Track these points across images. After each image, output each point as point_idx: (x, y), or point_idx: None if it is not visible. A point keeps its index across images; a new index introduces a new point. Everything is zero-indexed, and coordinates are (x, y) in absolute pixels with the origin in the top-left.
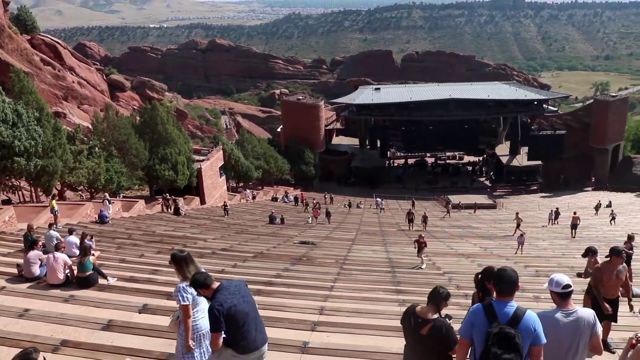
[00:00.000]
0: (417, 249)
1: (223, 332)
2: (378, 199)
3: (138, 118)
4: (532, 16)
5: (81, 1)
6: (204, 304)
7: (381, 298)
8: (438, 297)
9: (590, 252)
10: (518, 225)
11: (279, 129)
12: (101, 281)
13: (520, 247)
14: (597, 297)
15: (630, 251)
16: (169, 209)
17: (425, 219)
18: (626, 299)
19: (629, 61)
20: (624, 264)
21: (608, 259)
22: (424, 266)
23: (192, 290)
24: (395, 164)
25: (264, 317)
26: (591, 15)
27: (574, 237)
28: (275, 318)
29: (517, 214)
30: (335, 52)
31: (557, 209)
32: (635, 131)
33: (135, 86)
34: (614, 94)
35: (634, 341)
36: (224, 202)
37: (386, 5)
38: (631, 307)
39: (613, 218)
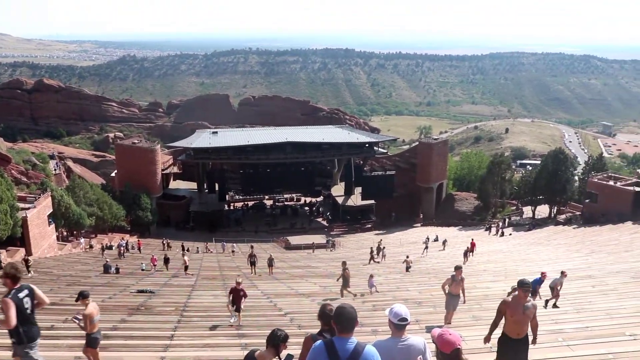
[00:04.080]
0: (230, 300)
1: None
2: (231, 243)
3: None
4: (362, 64)
5: None
6: None
7: (223, 344)
8: (276, 339)
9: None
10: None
11: (113, 174)
12: None
13: (371, 289)
14: (490, 328)
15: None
16: None
17: (271, 262)
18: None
19: (447, 107)
20: (534, 302)
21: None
22: (232, 320)
23: None
24: (234, 207)
25: None
26: (413, 65)
27: (407, 271)
28: None
29: (343, 265)
30: (172, 95)
31: (380, 242)
32: (455, 170)
33: None
34: (436, 137)
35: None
36: (24, 257)
37: (223, 50)
38: (534, 343)
39: (426, 247)
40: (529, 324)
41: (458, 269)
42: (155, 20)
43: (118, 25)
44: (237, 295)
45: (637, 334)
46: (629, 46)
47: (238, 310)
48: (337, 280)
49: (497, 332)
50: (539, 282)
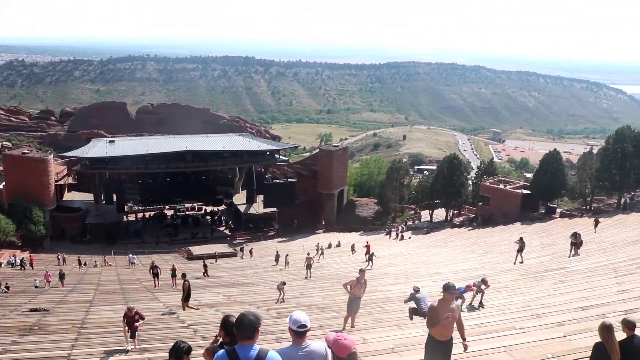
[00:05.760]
0: (125, 325)
1: None
2: (133, 255)
3: None
4: (262, 72)
5: None
6: None
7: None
8: (178, 352)
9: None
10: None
11: (1, 186)
12: None
13: (281, 294)
14: (430, 328)
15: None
16: None
17: (174, 273)
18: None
19: (347, 115)
20: (457, 303)
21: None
22: (129, 347)
23: None
24: (134, 219)
25: None
26: (313, 73)
27: (310, 277)
28: None
29: (183, 277)
30: (65, 103)
31: (277, 251)
32: (355, 177)
33: None
34: (336, 144)
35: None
36: None
37: (119, 57)
38: (465, 347)
39: (322, 253)
40: (455, 325)
41: (362, 271)
42: (45, 24)
43: (3, 28)
44: (132, 321)
45: (526, 327)
46: (513, 58)
47: (133, 336)
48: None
49: (423, 334)
50: (462, 290)
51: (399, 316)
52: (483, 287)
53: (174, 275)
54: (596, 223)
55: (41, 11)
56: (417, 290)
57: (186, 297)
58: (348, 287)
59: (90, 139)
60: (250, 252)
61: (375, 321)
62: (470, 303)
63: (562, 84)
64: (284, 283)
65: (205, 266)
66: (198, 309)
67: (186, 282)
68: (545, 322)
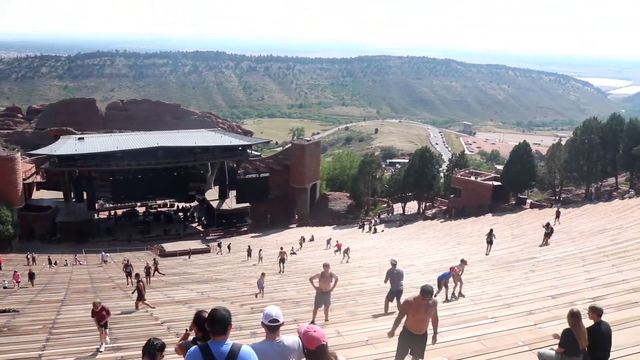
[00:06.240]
0: (96, 322)
1: None
2: (106, 253)
3: None
4: (233, 67)
5: None
6: None
7: (97, 359)
8: (152, 349)
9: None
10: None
11: None
12: None
13: (261, 291)
14: (394, 325)
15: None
16: None
17: (148, 271)
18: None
19: (319, 109)
20: (434, 299)
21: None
22: (102, 349)
23: None
24: (105, 216)
25: None
26: (285, 68)
27: (283, 272)
28: None
29: (137, 277)
30: (33, 100)
31: (249, 246)
32: (328, 171)
33: None
34: (309, 139)
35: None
36: None
37: (88, 52)
38: (434, 341)
39: (293, 252)
40: (430, 320)
41: (325, 266)
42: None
43: None
44: (100, 317)
45: (497, 317)
46: (483, 52)
47: (105, 326)
48: (133, 292)
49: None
50: (447, 276)
51: (372, 309)
52: (464, 266)
53: (148, 274)
54: (557, 214)
55: (5, 6)
56: (394, 264)
57: (139, 297)
58: (314, 281)
59: (58, 136)
60: (229, 247)
61: (350, 314)
62: (453, 293)
63: (531, 77)
64: (264, 274)
65: (155, 264)
66: (154, 307)
67: (140, 282)
68: (516, 311)
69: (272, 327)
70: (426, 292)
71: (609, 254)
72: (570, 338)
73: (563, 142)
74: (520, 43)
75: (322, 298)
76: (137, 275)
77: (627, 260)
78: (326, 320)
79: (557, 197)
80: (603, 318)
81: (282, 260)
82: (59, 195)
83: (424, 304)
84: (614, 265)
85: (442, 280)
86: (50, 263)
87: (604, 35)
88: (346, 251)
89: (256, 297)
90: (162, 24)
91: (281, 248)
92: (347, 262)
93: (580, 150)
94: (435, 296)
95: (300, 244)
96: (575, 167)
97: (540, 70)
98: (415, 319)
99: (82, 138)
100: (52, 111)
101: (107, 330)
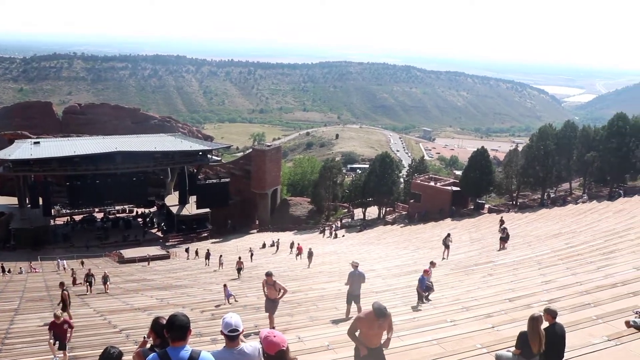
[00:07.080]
0: (51, 337)
1: None
2: (63, 260)
3: None
4: (193, 72)
5: None
6: None
7: None
8: (109, 358)
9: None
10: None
11: None
12: None
13: (227, 299)
14: (353, 340)
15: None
16: None
17: (106, 279)
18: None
19: (280, 115)
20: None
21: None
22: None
23: None
24: (62, 222)
25: None
26: (246, 73)
27: (239, 278)
28: None
29: (61, 286)
30: None
31: (208, 250)
32: (289, 176)
33: None
34: (269, 144)
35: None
36: None
37: (44, 55)
38: (386, 345)
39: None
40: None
41: (268, 275)
42: None
43: None
44: (60, 331)
45: (456, 320)
46: (443, 59)
47: (63, 347)
48: (59, 304)
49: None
50: (425, 280)
51: (333, 314)
52: (432, 268)
53: (105, 282)
54: (501, 222)
55: None
56: (356, 266)
57: (64, 307)
58: (264, 289)
59: (13, 140)
60: (197, 252)
61: (310, 319)
62: (426, 296)
63: (489, 84)
64: (226, 285)
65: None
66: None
67: (65, 292)
68: (475, 314)
69: (232, 336)
70: (380, 314)
71: (563, 257)
72: (524, 340)
73: (520, 148)
74: (478, 50)
75: (269, 305)
76: (62, 284)
77: (581, 263)
78: (272, 327)
79: (514, 202)
80: (557, 320)
81: (239, 270)
82: (13, 200)
83: (375, 324)
84: (568, 268)
85: (428, 284)
86: (3, 271)
87: (558, 45)
88: (309, 255)
89: (226, 303)
90: (121, 26)
91: (239, 258)
92: (309, 267)
93: (536, 156)
94: (418, 306)
95: (251, 254)
96: (532, 172)
97: (498, 77)
98: (369, 335)
99: (38, 142)
100: (6, 114)
101: (67, 352)
